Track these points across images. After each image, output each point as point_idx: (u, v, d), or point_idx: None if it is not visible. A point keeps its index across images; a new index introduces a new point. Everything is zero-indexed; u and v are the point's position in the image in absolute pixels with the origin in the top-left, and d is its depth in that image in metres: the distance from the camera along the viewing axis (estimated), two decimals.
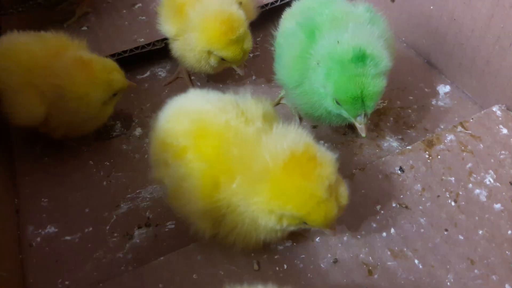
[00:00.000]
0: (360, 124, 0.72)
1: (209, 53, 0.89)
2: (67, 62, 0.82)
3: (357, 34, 0.72)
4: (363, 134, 0.72)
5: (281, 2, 1.13)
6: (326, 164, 0.58)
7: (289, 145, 0.59)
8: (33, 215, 0.84)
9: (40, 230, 0.81)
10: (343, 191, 0.61)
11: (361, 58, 0.68)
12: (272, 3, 1.13)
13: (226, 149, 0.62)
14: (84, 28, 1.19)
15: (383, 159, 0.80)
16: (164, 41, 1.09)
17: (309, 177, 0.57)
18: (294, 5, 0.86)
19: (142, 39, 1.10)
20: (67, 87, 0.80)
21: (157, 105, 1.01)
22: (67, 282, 0.75)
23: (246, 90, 0.72)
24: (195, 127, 0.65)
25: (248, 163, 0.60)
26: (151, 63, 1.14)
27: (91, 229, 0.82)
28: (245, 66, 0.96)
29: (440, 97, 1.00)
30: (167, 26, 0.95)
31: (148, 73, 1.12)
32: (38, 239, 0.80)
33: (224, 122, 0.64)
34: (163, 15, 0.97)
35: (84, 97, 0.81)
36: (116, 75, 0.84)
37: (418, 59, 1.09)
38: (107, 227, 0.82)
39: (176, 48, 0.96)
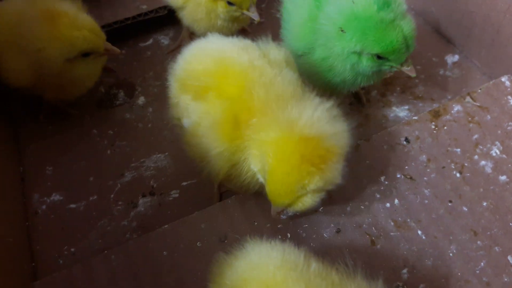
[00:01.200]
0: (409, 66, 0.72)
1: (215, 1, 0.87)
2: (35, 13, 0.79)
3: None
4: (414, 74, 0.72)
5: None
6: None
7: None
8: (38, 183, 0.84)
9: (45, 198, 0.82)
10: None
11: (385, 4, 0.67)
12: None
13: (250, 88, 0.60)
14: None
15: (389, 129, 0.79)
16: (167, 7, 1.07)
17: None
18: None
19: (145, 6, 1.07)
20: (28, 38, 0.78)
21: (160, 73, 1.01)
22: (72, 249, 0.76)
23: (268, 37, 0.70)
24: (218, 67, 0.64)
25: (273, 106, 0.59)
26: (153, 30, 1.12)
27: (95, 197, 0.82)
28: (260, 15, 0.90)
29: (448, 67, 0.98)
30: None
31: (151, 41, 1.10)
32: (44, 206, 0.81)
33: (248, 62, 0.63)
34: None
35: (42, 50, 0.77)
36: (85, 34, 0.79)
37: (426, 28, 1.06)
38: (112, 196, 0.82)
39: (186, 14, 0.94)
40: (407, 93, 0.94)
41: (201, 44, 0.71)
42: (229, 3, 0.86)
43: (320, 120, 0.58)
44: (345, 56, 0.72)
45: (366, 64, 0.71)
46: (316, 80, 0.78)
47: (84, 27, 0.79)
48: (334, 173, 0.57)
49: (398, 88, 0.95)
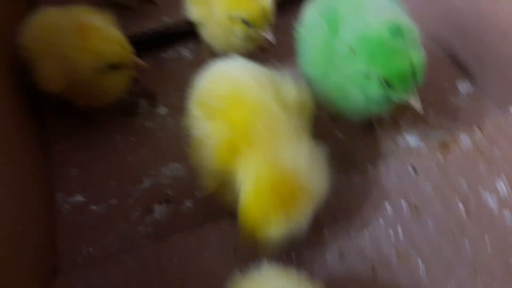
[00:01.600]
0: (417, 101, 0.73)
1: (232, 20, 0.90)
2: (69, 25, 0.85)
3: (382, 12, 0.73)
4: (420, 110, 0.73)
5: None
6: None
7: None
8: (62, 183, 0.90)
9: (68, 198, 0.87)
10: None
11: (398, 31, 0.69)
12: None
13: (253, 122, 0.64)
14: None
15: (397, 156, 0.82)
16: (190, 22, 1.11)
17: None
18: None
19: (169, 19, 1.12)
20: (62, 48, 0.84)
21: (181, 85, 1.03)
22: (91, 249, 0.81)
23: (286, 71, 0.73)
24: (230, 94, 0.68)
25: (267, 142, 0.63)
26: (175, 41, 1.16)
27: (115, 201, 0.87)
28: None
29: (460, 95, 1.00)
30: (193, 10, 0.98)
31: (172, 52, 1.15)
32: (67, 206, 0.87)
33: (258, 97, 0.66)
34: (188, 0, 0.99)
35: (74, 60, 0.83)
36: (114, 48, 0.84)
37: (440, 54, 1.08)
38: (130, 201, 0.87)
39: (205, 31, 0.98)
40: (418, 119, 0.97)
41: (221, 67, 0.75)
42: (245, 23, 0.89)
43: (304, 163, 0.61)
44: (355, 78, 0.74)
45: (374, 89, 0.73)
46: (331, 106, 0.82)
47: (113, 41, 0.84)
48: (300, 215, 0.60)
49: (410, 114, 0.98)
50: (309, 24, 0.83)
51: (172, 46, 1.16)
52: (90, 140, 0.97)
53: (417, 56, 0.70)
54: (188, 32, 1.11)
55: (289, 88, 0.70)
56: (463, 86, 1.02)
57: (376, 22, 0.71)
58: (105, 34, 0.84)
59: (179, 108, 1.00)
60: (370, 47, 0.71)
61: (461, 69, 1.04)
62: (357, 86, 0.75)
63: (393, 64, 0.69)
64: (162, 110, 1.02)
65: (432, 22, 1.09)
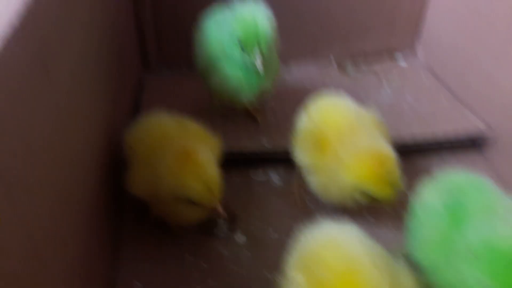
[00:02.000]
0: None
1: (357, 189, 0.87)
2: (173, 144, 0.85)
3: None
4: None
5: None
6: None
7: None
8: None
9: None
10: None
11: None
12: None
13: None
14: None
15: None
16: (288, 151, 1.10)
17: None
18: (439, 178, 0.83)
19: (267, 144, 1.12)
20: (158, 162, 0.84)
21: (265, 214, 1.02)
22: None
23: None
24: (342, 269, 0.62)
25: None
26: (267, 164, 1.15)
27: None
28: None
29: None
30: (304, 157, 0.95)
31: (262, 175, 1.13)
32: None
33: (373, 280, 0.60)
34: (300, 144, 0.97)
35: (162, 180, 0.82)
36: (201, 189, 0.79)
37: None
38: None
39: (315, 180, 0.95)
40: None
41: (332, 230, 0.71)
42: (370, 196, 0.86)
43: None
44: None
45: None
46: None
47: (205, 182, 0.80)
48: None
49: None
50: (428, 206, 0.79)
51: (263, 168, 1.14)
52: (161, 254, 0.93)
53: None
54: (282, 159, 1.10)
55: (406, 277, 0.65)
56: None
57: (506, 231, 0.66)
58: (201, 172, 0.80)
59: (258, 240, 0.96)
60: (494, 258, 0.65)
61: None
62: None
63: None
64: (240, 238, 0.97)
65: None
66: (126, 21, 1.24)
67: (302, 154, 0.95)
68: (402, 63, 1.54)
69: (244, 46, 0.93)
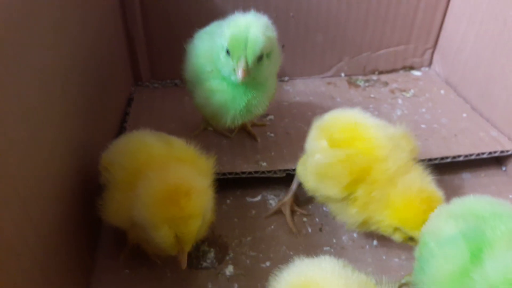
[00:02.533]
0: None
1: (396, 229, 0.78)
2: (165, 180, 0.70)
3: None
4: None
5: None
6: None
7: None
8: None
9: None
10: None
11: None
12: None
13: None
14: (210, 128, 1.15)
15: None
16: (287, 171, 1.01)
17: None
18: (456, 203, 0.71)
19: (265, 164, 1.02)
20: (142, 190, 0.70)
21: (258, 241, 0.91)
22: None
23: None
24: None
25: None
26: (264, 186, 1.05)
27: None
28: None
29: None
30: (335, 189, 0.80)
31: (259, 197, 1.03)
32: None
33: None
34: (330, 175, 0.80)
35: (139, 212, 0.69)
36: (180, 230, 0.68)
37: None
38: None
39: (340, 210, 0.84)
40: None
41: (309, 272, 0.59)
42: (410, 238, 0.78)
43: None
44: None
45: None
46: None
47: (181, 235, 0.68)
48: None
49: None
50: (442, 236, 0.67)
51: (260, 191, 1.05)
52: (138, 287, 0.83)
53: None
54: (279, 179, 1.01)
55: None
56: None
57: None
58: (182, 224, 0.67)
59: (250, 272, 0.86)
60: None
61: None
62: None
63: None
64: (229, 269, 0.87)
65: None
66: (116, 39, 1.18)
67: (334, 187, 0.80)
68: (418, 76, 1.43)
69: (230, 50, 0.83)
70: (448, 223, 0.67)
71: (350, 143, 0.80)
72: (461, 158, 1.05)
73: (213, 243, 0.92)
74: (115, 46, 1.16)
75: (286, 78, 1.39)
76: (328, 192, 0.81)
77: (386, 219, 0.78)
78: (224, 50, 0.84)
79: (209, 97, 0.92)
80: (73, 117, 0.79)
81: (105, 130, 1.03)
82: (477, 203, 0.69)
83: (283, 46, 1.31)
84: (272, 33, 0.87)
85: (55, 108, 0.71)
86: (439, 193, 0.77)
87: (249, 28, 0.83)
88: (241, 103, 0.90)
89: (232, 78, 0.86)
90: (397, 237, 0.80)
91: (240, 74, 0.82)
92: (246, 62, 0.82)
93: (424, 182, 0.78)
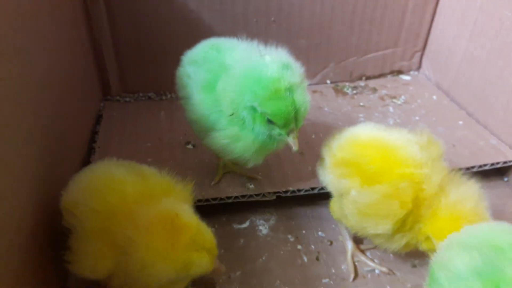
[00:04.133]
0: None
1: (428, 238, 0.70)
2: (151, 216, 0.62)
3: None
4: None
5: None
6: None
7: None
8: None
9: None
10: None
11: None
12: None
13: None
14: (190, 146, 1.05)
15: None
16: (277, 193, 0.91)
17: None
18: (467, 233, 0.63)
19: (252, 186, 0.92)
20: (134, 246, 0.61)
21: (249, 275, 0.82)
22: None
23: None
24: None
25: None
26: (253, 210, 0.95)
27: None
28: None
29: None
30: (387, 226, 0.70)
31: (247, 223, 0.93)
32: None
33: None
34: (378, 213, 0.71)
35: (149, 267, 0.60)
36: (203, 259, 0.62)
37: None
38: None
39: (387, 241, 0.74)
40: None
41: None
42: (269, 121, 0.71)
43: None
44: None
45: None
46: None
47: (204, 246, 0.63)
48: None
49: None
50: (454, 272, 0.58)
51: (248, 216, 0.94)
52: None
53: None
54: (270, 203, 0.92)
55: None
56: None
57: None
58: (197, 236, 0.62)
59: None
60: None
61: None
62: None
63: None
64: None
65: None
66: (80, 48, 1.05)
67: (380, 221, 0.70)
68: (408, 81, 1.36)
69: (277, 124, 0.70)
70: (461, 256, 0.58)
71: (386, 172, 0.71)
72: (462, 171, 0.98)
73: (198, 281, 0.81)
74: (79, 55, 1.03)
75: None
76: (378, 230, 0.72)
77: (425, 226, 0.70)
78: (264, 118, 0.70)
79: (232, 143, 0.77)
80: (28, 144, 0.67)
81: (71, 153, 0.90)
82: (493, 231, 0.61)
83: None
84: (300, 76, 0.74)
85: (5, 134, 0.59)
86: (488, 214, 0.69)
87: (292, 92, 0.68)
88: (272, 146, 0.78)
89: (276, 138, 0.75)
90: (424, 246, 0.72)
91: (296, 145, 0.72)
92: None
93: (479, 200, 0.69)
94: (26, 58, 0.69)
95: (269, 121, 0.70)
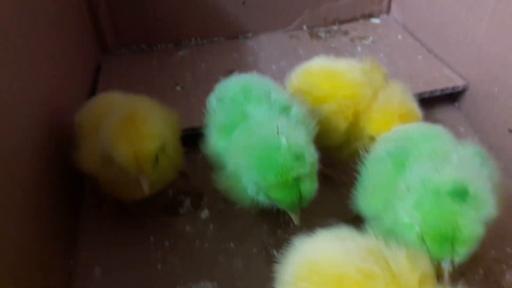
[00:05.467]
0: (444, 273, 0.61)
1: (372, 138, 0.83)
2: (125, 110, 0.78)
3: (461, 168, 0.63)
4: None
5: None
6: None
7: None
8: (83, 282, 0.83)
9: None
10: None
11: (461, 194, 0.60)
12: None
13: None
14: (178, 87, 1.20)
15: None
16: None
17: None
18: (394, 130, 0.79)
19: None
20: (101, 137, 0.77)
21: None
22: None
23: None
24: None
25: None
26: None
27: None
28: None
29: None
30: (335, 137, 0.86)
31: None
32: None
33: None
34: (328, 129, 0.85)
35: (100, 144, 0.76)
36: (128, 152, 0.72)
37: None
38: None
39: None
40: (491, 279, 0.83)
41: (310, 253, 0.59)
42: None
43: None
44: (399, 221, 0.64)
45: (411, 237, 0.63)
46: None
47: (136, 151, 0.73)
48: None
49: (481, 270, 0.84)
50: (373, 156, 0.76)
51: None
52: (122, 237, 0.90)
53: (470, 229, 0.59)
54: None
55: (406, 263, 0.54)
56: None
57: (446, 174, 0.62)
58: (137, 139, 0.73)
59: (223, 215, 0.94)
60: (422, 192, 0.61)
61: None
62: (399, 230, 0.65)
63: (432, 220, 0.60)
64: (204, 213, 0.94)
65: None
66: (77, 7, 1.20)
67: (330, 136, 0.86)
68: (377, 24, 1.48)
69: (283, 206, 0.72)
70: (380, 144, 0.76)
71: (332, 95, 0.86)
72: (416, 95, 1.12)
73: (189, 193, 0.99)
74: (75, 13, 1.18)
75: (250, 35, 1.43)
76: (329, 142, 0.87)
77: (365, 131, 0.85)
78: (268, 196, 0.71)
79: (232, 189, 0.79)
80: (43, 83, 0.84)
81: (76, 96, 1.07)
82: (412, 128, 0.77)
83: (243, 3, 1.34)
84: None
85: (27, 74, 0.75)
86: (418, 110, 0.84)
87: (299, 182, 0.69)
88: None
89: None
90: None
91: (297, 221, 0.73)
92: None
93: (405, 98, 0.85)
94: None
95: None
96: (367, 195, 0.73)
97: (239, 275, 0.83)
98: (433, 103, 1.19)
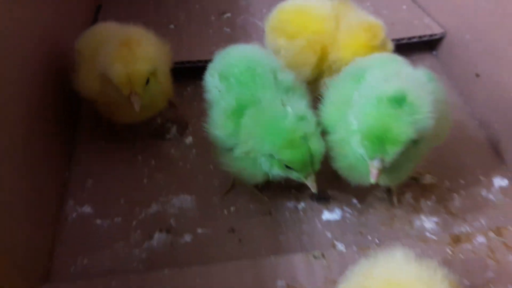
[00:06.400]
0: (373, 168, 0.68)
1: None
2: (122, 34, 0.88)
3: (406, 81, 0.69)
4: (373, 180, 0.69)
5: None
6: None
7: None
8: (76, 192, 0.94)
9: (77, 207, 0.91)
10: None
11: (398, 100, 0.65)
12: None
13: None
14: (172, 26, 1.28)
15: (402, 241, 0.78)
16: None
17: None
18: (356, 60, 0.84)
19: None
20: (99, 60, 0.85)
21: None
22: (85, 261, 0.83)
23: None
24: None
25: None
26: None
27: (120, 219, 0.89)
28: None
29: (494, 190, 0.95)
30: (307, 71, 0.96)
31: None
32: (74, 215, 0.90)
33: None
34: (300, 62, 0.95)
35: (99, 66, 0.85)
36: (122, 73, 0.81)
37: (484, 143, 1.04)
38: (134, 222, 0.89)
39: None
40: (441, 205, 0.92)
41: None
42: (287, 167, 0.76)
43: None
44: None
45: (353, 143, 0.71)
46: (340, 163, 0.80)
47: (130, 73, 0.81)
48: None
49: (434, 197, 0.94)
50: (338, 77, 0.84)
51: None
52: (112, 155, 1.01)
53: (400, 131, 0.65)
54: None
55: None
56: (500, 182, 0.96)
57: (393, 82, 0.69)
58: (131, 61, 0.82)
59: (206, 141, 1.02)
60: (367, 99, 0.69)
61: (503, 164, 0.99)
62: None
63: (369, 121, 0.67)
64: (188, 140, 1.04)
65: (485, 109, 1.06)
66: None
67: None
68: None
69: (295, 169, 0.75)
70: (343, 69, 0.84)
71: (302, 30, 0.94)
72: (396, 42, 1.18)
73: (175, 121, 1.08)
74: None
75: None
76: (301, 75, 0.94)
77: (341, 59, 0.92)
78: (281, 165, 0.75)
79: (240, 169, 0.83)
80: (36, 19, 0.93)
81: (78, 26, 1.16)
82: (372, 56, 0.84)
83: None
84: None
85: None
86: (378, 21, 0.92)
87: (306, 140, 0.73)
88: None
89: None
90: None
91: (314, 188, 0.76)
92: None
93: (361, 16, 0.93)
94: None
95: (287, 167, 0.74)
96: (327, 107, 0.81)
97: (215, 191, 0.94)
98: (413, 51, 1.25)
